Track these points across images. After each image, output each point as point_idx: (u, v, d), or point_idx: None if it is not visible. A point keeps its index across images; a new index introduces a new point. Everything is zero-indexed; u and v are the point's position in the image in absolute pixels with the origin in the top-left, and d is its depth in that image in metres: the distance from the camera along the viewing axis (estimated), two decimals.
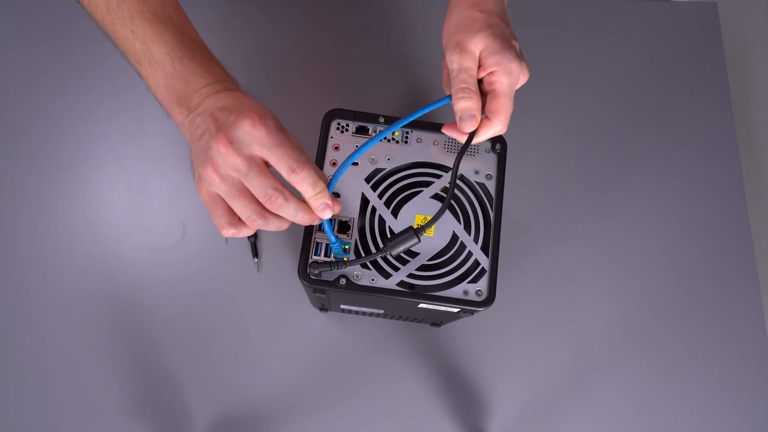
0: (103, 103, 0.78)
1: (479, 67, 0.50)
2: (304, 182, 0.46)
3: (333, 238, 0.51)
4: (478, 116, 0.50)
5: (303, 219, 0.48)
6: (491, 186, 0.56)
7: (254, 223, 0.47)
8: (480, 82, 0.51)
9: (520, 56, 0.50)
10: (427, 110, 0.50)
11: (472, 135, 0.52)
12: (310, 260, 0.52)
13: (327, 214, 0.48)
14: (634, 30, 0.87)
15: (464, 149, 0.52)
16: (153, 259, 0.73)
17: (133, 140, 0.77)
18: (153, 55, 0.49)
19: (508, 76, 0.49)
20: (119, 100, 0.79)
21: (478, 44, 0.49)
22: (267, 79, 0.81)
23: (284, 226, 0.49)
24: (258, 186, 0.45)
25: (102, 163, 0.76)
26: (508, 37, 0.50)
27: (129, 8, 0.49)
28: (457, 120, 0.51)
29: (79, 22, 0.81)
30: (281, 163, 0.45)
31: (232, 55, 0.81)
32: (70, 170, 0.76)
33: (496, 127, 0.51)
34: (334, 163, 0.55)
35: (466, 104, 0.50)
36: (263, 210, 0.47)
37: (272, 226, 0.48)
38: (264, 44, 0.83)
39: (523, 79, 0.51)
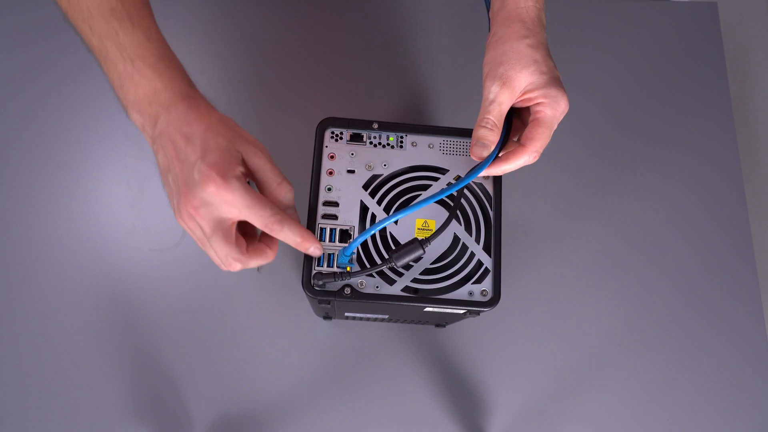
0: (103, 103, 0.78)
1: (523, 99, 0.50)
2: (285, 237, 0.47)
3: (348, 252, 0.52)
4: (491, 148, 0.51)
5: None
6: (489, 185, 0.56)
7: (227, 266, 0.48)
8: (525, 112, 0.52)
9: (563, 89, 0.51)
10: (472, 177, 0.51)
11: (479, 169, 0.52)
12: (314, 271, 0.52)
13: (317, 254, 0.50)
14: (634, 30, 0.87)
15: (469, 178, 0.51)
16: (153, 259, 0.73)
17: (133, 140, 0.77)
18: (107, 53, 0.47)
19: (553, 109, 0.50)
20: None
21: (522, 81, 0.49)
22: (262, 83, 0.81)
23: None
24: (219, 251, 0.47)
25: (102, 164, 0.76)
26: (554, 71, 0.50)
27: (88, 4, 0.47)
28: (472, 145, 0.51)
29: None
30: (255, 222, 0.46)
31: (225, 61, 0.82)
32: (70, 170, 0.76)
33: (528, 156, 0.51)
34: (330, 173, 0.55)
35: (485, 133, 0.50)
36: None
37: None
38: (259, 47, 0.83)
39: (567, 109, 0.51)
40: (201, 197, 0.44)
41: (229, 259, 0.47)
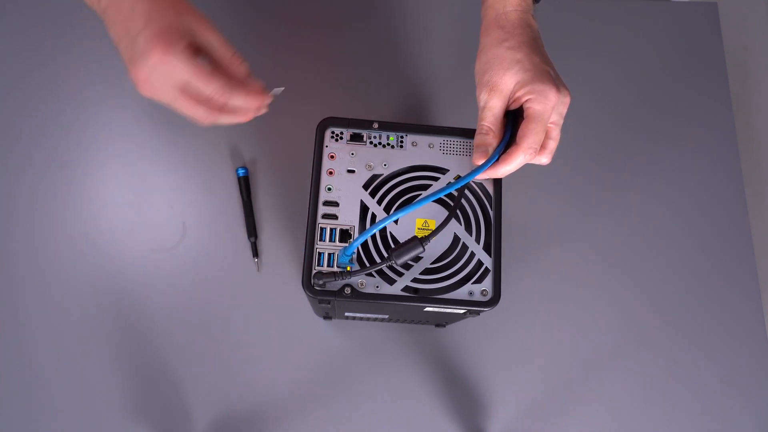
0: (103, 102, 0.78)
1: (515, 99, 0.50)
2: (237, 101, 0.46)
3: (349, 252, 0.52)
4: (490, 152, 0.52)
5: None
6: (489, 185, 0.56)
7: (207, 120, 0.47)
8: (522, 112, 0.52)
9: (556, 81, 0.50)
10: (468, 179, 0.51)
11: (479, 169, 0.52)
12: (314, 271, 0.52)
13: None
14: (634, 30, 0.87)
15: (468, 178, 0.51)
16: (153, 259, 0.73)
17: (132, 140, 0.77)
18: None
19: (542, 104, 0.49)
20: (119, 99, 0.79)
21: (508, 83, 0.50)
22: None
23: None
24: (187, 110, 0.46)
25: (102, 163, 0.76)
26: (540, 65, 0.50)
27: None
28: (473, 153, 0.53)
29: (79, 20, 0.81)
30: (204, 91, 0.45)
31: None
32: (70, 170, 0.76)
33: (523, 153, 0.50)
34: (330, 173, 0.55)
35: (481, 138, 0.52)
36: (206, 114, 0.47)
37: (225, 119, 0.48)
38: (259, 47, 0.83)
39: (565, 101, 0.51)
40: (147, 68, 0.43)
41: (199, 113, 0.46)
